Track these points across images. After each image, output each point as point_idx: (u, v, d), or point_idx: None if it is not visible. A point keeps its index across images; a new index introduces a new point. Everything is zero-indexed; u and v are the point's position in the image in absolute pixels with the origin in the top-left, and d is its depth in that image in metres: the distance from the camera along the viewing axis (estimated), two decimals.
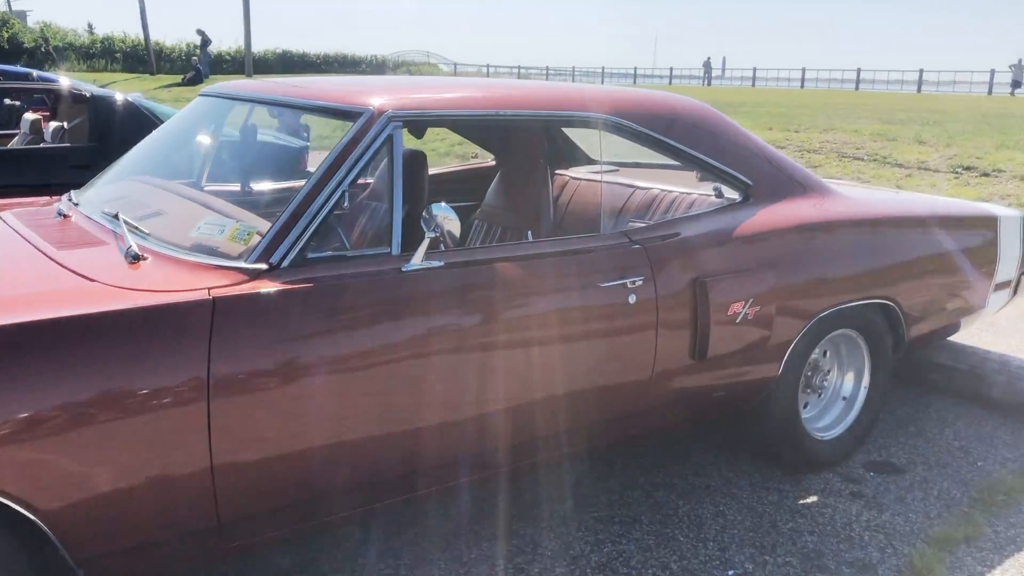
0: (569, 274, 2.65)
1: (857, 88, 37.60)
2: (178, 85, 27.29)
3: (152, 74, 33.92)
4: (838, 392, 3.60)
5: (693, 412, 3.12)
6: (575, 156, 4.28)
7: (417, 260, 2.39)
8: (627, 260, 2.77)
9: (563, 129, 4.18)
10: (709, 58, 45.53)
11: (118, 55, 49.88)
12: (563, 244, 2.75)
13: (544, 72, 58.04)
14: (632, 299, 2.74)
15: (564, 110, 2.89)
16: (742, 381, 3.10)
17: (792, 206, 3.22)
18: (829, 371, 3.56)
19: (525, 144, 3.76)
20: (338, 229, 2.46)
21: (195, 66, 28.18)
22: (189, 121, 3.24)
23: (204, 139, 3.11)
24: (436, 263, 2.42)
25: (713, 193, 3.25)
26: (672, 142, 3.05)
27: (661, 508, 3.16)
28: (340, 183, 2.35)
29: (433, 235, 2.39)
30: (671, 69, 50.56)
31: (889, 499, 3.27)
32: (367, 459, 2.36)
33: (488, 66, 59.48)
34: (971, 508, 3.21)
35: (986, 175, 8.39)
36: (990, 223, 3.85)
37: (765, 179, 3.24)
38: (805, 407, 3.51)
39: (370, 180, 3.08)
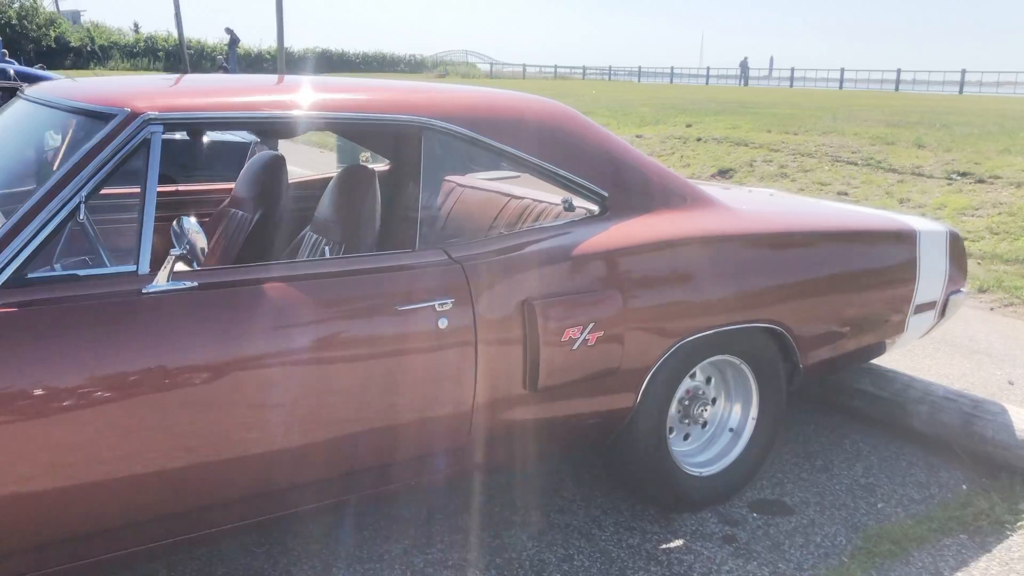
0: (357, 297, 2.39)
1: (897, 89, 36.68)
2: None
3: (187, 72, 34.18)
4: (724, 423, 3.28)
5: (537, 445, 2.83)
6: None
7: (161, 280, 2.14)
8: (439, 280, 2.49)
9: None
10: (746, 58, 44.87)
11: (160, 53, 50.68)
12: (358, 262, 2.49)
13: (582, 71, 57.67)
14: (443, 323, 2.46)
15: (371, 112, 2.62)
16: (589, 412, 2.81)
17: (655, 221, 2.92)
18: (715, 399, 3.25)
19: (403, 147, 3.50)
20: (95, 244, 2.22)
21: (221, 64, 28.33)
22: (5, 124, 3.02)
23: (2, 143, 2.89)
24: (186, 284, 2.17)
25: (562, 205, 2.95)
26: (512, 149, 2.76)
27: (505, 550, 2.88)
28: (78, 191, 2.11)
29: (181, 252, 2.14)
30: (708, 69, 49.86)
31: (763, 546, 2.95)
32: (83, 512, 2.10)
33: (524, 66, 59.28)
34: (851, 559, 2.88)
35: (981, 181, 7.93)
36: (907, 238, 3.50)
37: (627, 191, 2.94)
38: (686, 439, 3.21)
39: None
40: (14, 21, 50.34)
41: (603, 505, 3.19)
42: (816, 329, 3.24)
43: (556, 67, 59.17)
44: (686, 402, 3.15)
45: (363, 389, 2.37)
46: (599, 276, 2.71)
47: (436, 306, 2.45)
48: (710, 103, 18.40)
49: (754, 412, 3.24)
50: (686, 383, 3.10)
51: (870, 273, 3.38)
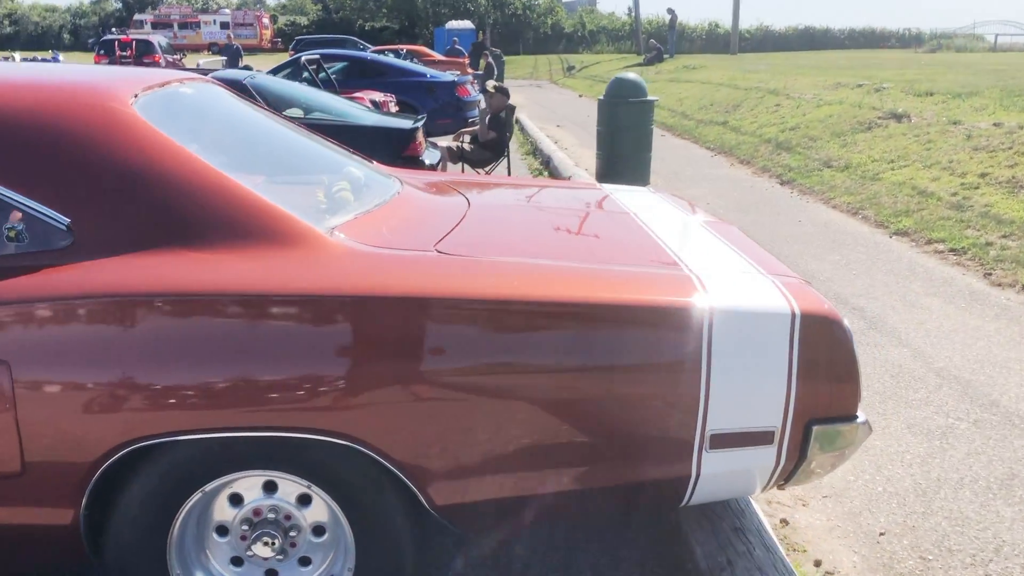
0: None
1: None
2: (639, 65, 27.65)
3: (639, 54, 34.80)
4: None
5: None
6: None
7: None
8: None
9: None
10: None
11: (643, 36, 52.71)
12: None
13: None
14: None
15: None
16: None
17: (134, 263, 1.96)
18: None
19: None
20: None
21: (655, 46, 28.27)
22: None
23: None
24: None
25: (7, 232, 2.12)
26: None
27: None
28: None
29: None
30: None
31: None
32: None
33: None
34: None
35: None
36: (669, 318, 2.01)
37: (115, 219, 2.03)
38: None
39: None
40: (519, 11, 55.76)
41: None
42: (436, 452, 2.00)
43: None
44: (245, 528, 2.14)
45: None
46: None
47: None
48: None
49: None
50: (223, 504, 2.10)
51: (574, 371, 2.00)
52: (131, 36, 29.77)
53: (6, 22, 61.89)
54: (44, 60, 31.21)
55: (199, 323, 1.92)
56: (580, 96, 22.43)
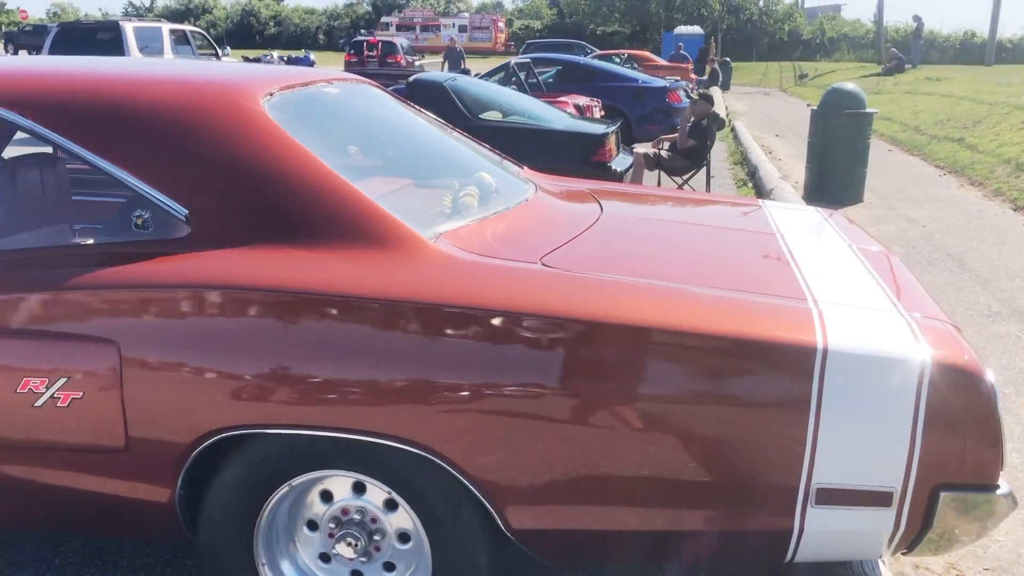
0: None
1: None
2: (876, 75, 26.09)
3: (879, 63, 32.80)
4: None
5: (37, 517, 2.28)
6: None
7: None
8: None
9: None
10: None
11: (885, 44, 49.91)
12: None
13: None
14: None
15: None
16: (91, 494, 2.12)
17: (239, 257, 2.02)
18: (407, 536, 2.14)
19: None
20: None
21: (896, 55, 26.53)
22: None
23: None
24: None
25: (135, 219, 2.21)
26: (80, 149, 2.16)
27: None
28: None
29: None
30: None
31: None
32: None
33: None
34: None
35: None
36: (773, 354, 1.82)
37: (230, 213, 2.10)
38: None
39: None
40: (755, 17, 54.16)
41: None
42: (517, 473, 1.92)
43: None
44: (333, 526, 2.15)
45: None
46: (95, 318, 2.01)
47: None
48: None
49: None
50: (315, 500, 2.13)
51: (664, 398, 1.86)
52: (377, 38, 31.51)
53: (271, 23, 67.49)
54: (297, 59, 33.73)
55: (286, 320, 1.95)
56: (808, 105, 21.36)
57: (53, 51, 13.31)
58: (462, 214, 2.36)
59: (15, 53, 33.28)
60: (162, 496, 2.07)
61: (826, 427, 1.80)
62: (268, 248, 2.04)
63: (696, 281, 2.11)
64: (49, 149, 2.50)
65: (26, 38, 37.17)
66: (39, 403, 2.03)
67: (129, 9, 73.48)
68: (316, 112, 2.57)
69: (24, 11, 56.60)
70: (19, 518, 2.34)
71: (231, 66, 3.00)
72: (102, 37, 13.64)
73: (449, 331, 1.88)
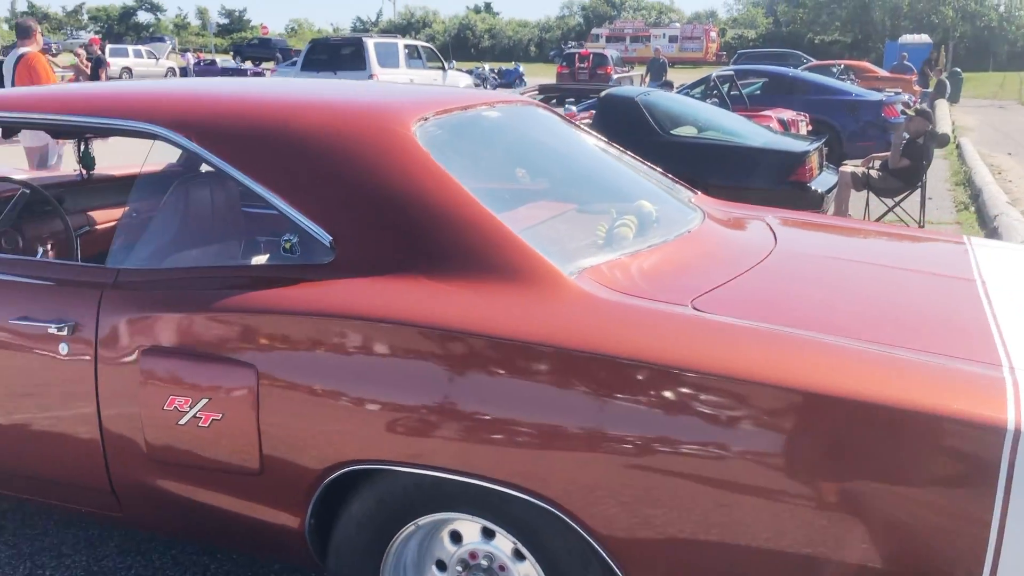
0: None
1: None
2: None
3: None
4: None
5: (181, 528, 2.31)
6: None
7: None
8: (69, 300, 2.26)
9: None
10: None
11: None
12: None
13: None
14: (64, 349, 2.24)
15: (102, 116, 2.41)
16: (228, 512, 2.14)
17: (374, 288, 1.96)
18: None
19: None
20: None
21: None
22: None
23: None
24: None
25: (283, 243, 2.19)
26: (233, 170, 2.20)
27: None
28: None
29: None
30: None
31: None
32: None
33: None
34: None
35: None
36: (947, 433, 1.54)
37: (372, 241, 2.05)
38: None
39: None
40: (993, 23, 50.21)
41: None
42: (654, 540, 1.75)
43: None
44: (460, 569, 2.07)
45: None
46: (237, 341, 2.03)
47: (54, 328, 2.23)
48: None
49: None
50: (445, 541, 2.05)
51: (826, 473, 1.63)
52: (588, 50, 31.66)
53: (486, 36, 69.60)
54: (507, 71, 34.41)
55: (416, 357, 1.87)
56: None
57: (306, 62, 15.77)
58: (613, 246, 2.21)
59: (243, 63, 36.59)
60: (293, 522, 2.06)
61: (1014, 526, 1.51)
62: (404, 278, 1.97)
63: (867, 337, 1.84)
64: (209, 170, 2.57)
65: (251, 50, 40.83)
66: (183, 421, 2.06)
67: (357, 24, 78.11)
68: (471, 136, 2.50)
69: (265, 27, 61.74)
70: (169, 527, 2.41)
71: (394, 88, 3.00)
72: (346, 52, 15.49)
73: (576, 378, 1.74)
